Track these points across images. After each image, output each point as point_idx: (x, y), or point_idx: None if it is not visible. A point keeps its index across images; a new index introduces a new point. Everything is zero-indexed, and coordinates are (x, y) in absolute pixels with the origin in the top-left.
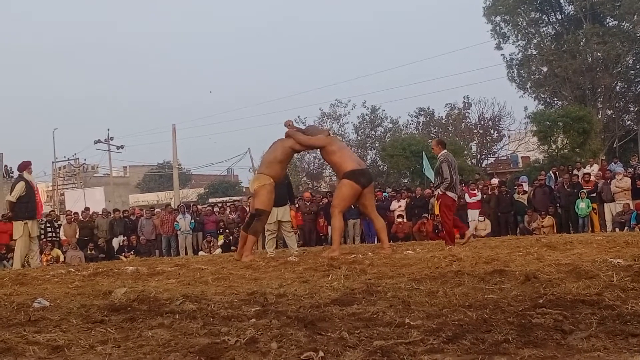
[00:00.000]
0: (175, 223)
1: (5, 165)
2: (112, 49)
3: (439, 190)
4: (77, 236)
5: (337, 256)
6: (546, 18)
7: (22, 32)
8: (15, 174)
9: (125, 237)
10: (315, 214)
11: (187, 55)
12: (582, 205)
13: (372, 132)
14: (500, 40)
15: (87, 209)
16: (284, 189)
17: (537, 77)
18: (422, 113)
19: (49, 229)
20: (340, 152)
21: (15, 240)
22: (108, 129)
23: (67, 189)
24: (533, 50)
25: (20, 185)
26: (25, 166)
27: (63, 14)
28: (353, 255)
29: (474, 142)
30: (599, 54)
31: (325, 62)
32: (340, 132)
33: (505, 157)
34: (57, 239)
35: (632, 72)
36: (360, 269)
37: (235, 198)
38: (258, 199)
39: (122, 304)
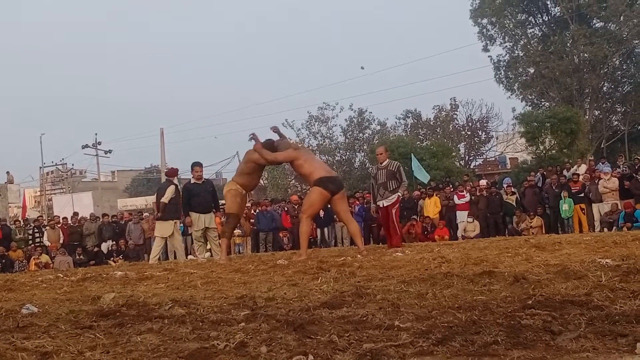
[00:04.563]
0: None
1: None
2: (100, 53)
3: (397, 194)
4: (61, 241)
5: (305, 260)
6: (533, 20)
7: (10, 35)
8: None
9: (114, 242)
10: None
11: (175, 59)
12: (565, 206)
13: (360, 135)
14: (487, 42)
15: (76, 213)
16: (209, 196)
17: (524, 78)
18: (410, 115)
19: (37, 234)
20: (308, 163)
21: (156, 236)
22: (96, 134)
23: (55, 194)
24: (520, 52)
25: (171, 189)
26: (173, 173)
27: (50, 16)
28: (342, 258)
29: (462, 143)
30: (585, 55)
31: (312, 65)
32: (328, 134)
33: (493, 159)
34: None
35: (619, 72)
36: (349, 272)
37: (224, 202)
38: (226, 204)
39: (110, 309)
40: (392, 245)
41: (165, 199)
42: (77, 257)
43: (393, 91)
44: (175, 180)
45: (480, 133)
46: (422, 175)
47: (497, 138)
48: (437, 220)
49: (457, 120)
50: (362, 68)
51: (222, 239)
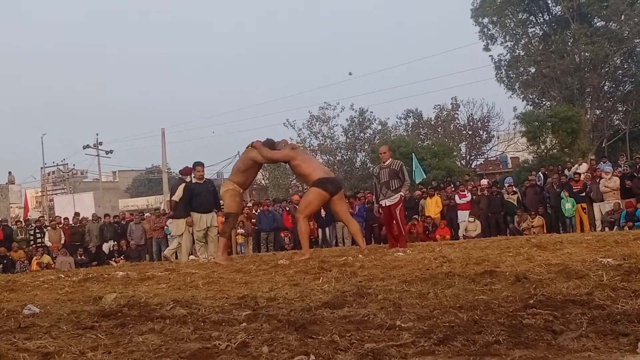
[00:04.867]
0: (165, 227)
1: None
2: (100, 53)
3: (400, 193)
4: (62, 242)
5: (307, 259)
6: (534, 19)
7: (10, 36)
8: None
9: (115, 242)
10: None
11: (176, 58)
12: (568, 205)
13: (362, 134)
14: (489, 41)
15: (77, 214)
16: (210, 196)
17: (525, 77)
18: (411, 115)
19: (38, 235)
20: (307, 163)
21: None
22: (97, 134)
23: (56, 194)
24: (521, 51)
25: (182, 187)
26: (187, 172)
27: (51, 16)
28: (343, 258)
29: (463, 143)
30: (586, 54)
31: (313, 64)
32: (329, 134)
33: (494, 158)
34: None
35: (620, 71)
36: (350, 272)
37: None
38: (225, 204)
39: (112, 309)
40: (395, 246)
41: (176, 197)
42: (79, 257)
43: (394, 91)
44: (188, 179)
45: (481, 132)
46: (418, 174)
47: (498, 137)
48: (438, 219)
49: (458, 120)
50: (350, 74)
51: (221, 239)
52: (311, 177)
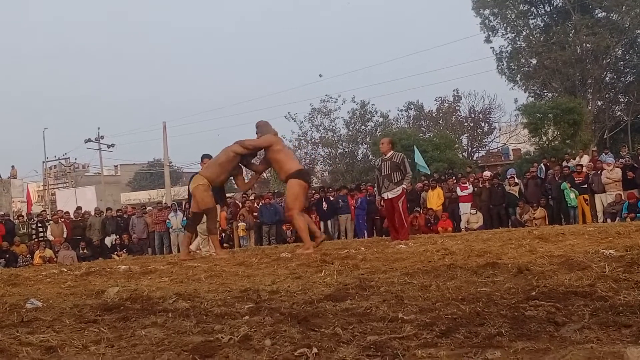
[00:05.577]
0: (167, 221)
1: None
2: (101, 48)
3: (402, 186)
4: (64, 236)
5: (312, 252)
6: (535, 10)
7: (11, 33)
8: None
9: (118, 236)
10: (307, 210)
11: (177, 53)
12: (572, 195)
13: (363, 127)
14: (490, 33)
15: (79, 208)
16: (215, 189)
17: (526, 69)
18: (412, 107)
19: (40, 229)
20: (285, 153)
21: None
22: (98, 128)
23: (58, 188)
24: (522, 43)
25: None
26: None
27: (51, 14)
28: (346, 251)
29: (465, 135)
30: (588, 45)
31: (313, 57)
32: (331, 127)
33: (496, 150)
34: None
35: (622, 62)
36: (353, 264)
37: (227, 195)
38: (197, 201)
39: (114, 303)
40: (397, 238)
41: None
42: (81, 251)
43: (395, 83)
44: None
45: (483, 124)
46: (423, 167)
47: (499, 129)
48: (440, 212)
49: (460, 112)
50: (320, 75)
51: (211, 237)
52: (286, 167)
